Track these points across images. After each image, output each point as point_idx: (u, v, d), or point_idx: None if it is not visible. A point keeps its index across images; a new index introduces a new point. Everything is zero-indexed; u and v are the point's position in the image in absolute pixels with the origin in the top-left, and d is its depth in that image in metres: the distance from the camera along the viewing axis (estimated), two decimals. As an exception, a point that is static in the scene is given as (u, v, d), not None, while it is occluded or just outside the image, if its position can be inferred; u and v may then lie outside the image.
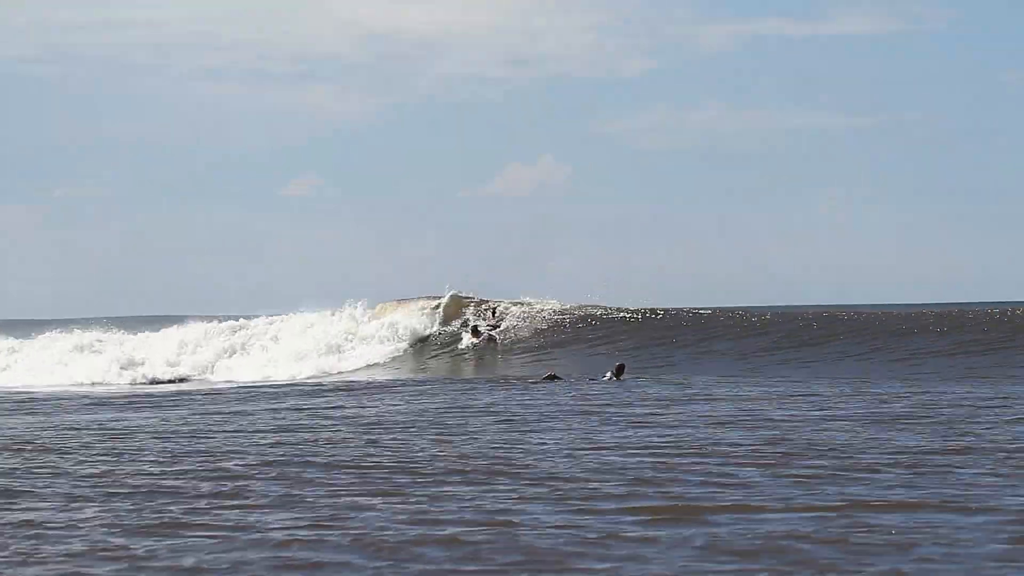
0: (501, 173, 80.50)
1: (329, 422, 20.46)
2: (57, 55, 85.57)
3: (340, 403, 24.93)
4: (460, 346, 42.91)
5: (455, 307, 44.99)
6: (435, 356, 41.69)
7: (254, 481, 13.56)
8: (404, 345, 42.88)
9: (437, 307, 44.93)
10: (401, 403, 24.55)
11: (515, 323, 43.15)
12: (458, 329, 43.78)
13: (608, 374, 31.18)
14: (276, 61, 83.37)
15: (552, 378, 31.10)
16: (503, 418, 20.57)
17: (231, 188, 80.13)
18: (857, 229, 74.03)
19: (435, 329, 44.05)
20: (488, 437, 17.58)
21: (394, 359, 41.57)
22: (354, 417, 21.38)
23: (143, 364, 41.32)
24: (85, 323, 45.55)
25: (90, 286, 69.81)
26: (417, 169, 79.12)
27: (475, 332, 43.43)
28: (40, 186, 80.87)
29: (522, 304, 44.42)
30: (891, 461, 14.30)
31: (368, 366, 40.41)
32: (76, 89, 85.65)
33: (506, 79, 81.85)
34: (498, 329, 43.91)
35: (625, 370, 31.37)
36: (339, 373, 38.91)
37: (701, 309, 42.64)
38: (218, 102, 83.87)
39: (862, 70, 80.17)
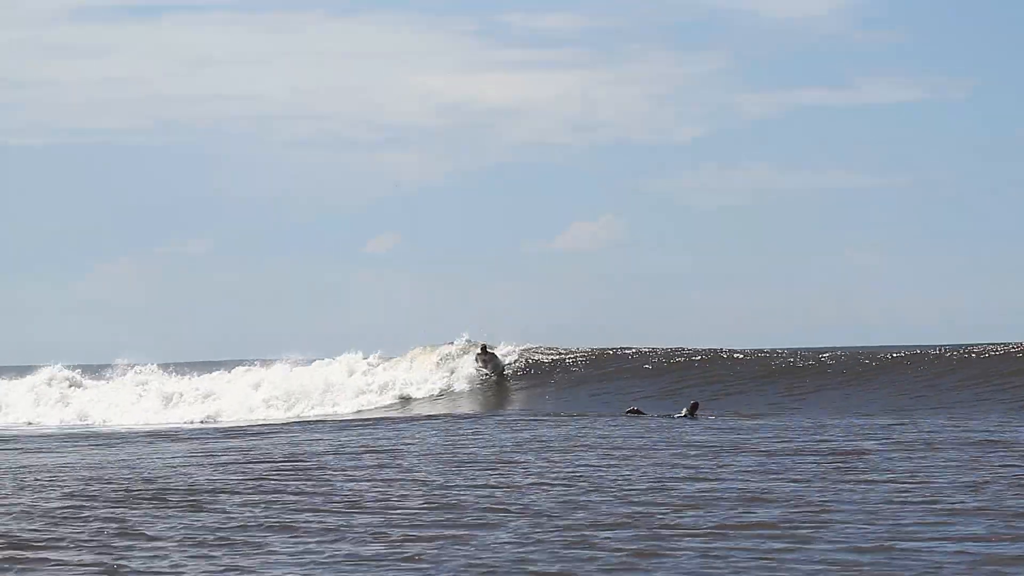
0: (566, 231, 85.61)
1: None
2: (167, 126, 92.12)
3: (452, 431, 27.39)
4: (465, 373, 44.30)
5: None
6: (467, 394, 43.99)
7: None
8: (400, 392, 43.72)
9: (448, 355, 45.68)
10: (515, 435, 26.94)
11: (576, 368, 45.80)
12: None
13: (684, 411, 33.41)
14: (360, 129, 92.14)
15: (636, 413, 33.32)
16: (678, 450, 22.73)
17: (320, 245, 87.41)
18: (888, 277, 78.30)
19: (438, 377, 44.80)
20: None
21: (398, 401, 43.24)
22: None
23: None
24: (204, 366, 47.67)
25: (188, 331, 73.69)
26: (487, 227, 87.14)
27: (484, 352, 44.97)
28: (148, 243, 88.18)
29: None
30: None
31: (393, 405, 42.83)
32: (183, 156, 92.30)
33: (569, 145, 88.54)
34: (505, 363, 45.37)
35: (698, 408, 33.69)
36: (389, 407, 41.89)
37: (736, 351, 45.12)
38: (309, 167, 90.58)
39: (892, 134, 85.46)
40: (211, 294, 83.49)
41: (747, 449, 22.74)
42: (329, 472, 20.11)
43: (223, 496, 17.11)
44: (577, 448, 23.63)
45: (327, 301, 76.82)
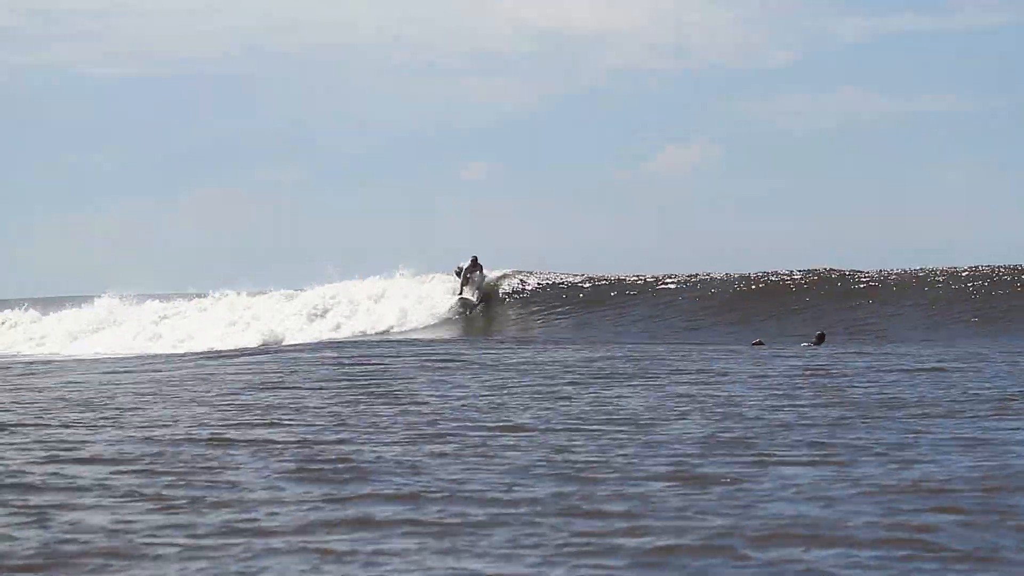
0: (661, 154, 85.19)
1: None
2: (256, 54, 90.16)
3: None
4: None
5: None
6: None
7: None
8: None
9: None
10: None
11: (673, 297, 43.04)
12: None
13: (809, 342, 31.07)
14: (452, 56, 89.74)
15: (759, 344, 30.89)
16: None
17: (414, 172, 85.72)
18: (982, 198, 78.28)
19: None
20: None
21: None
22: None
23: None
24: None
25: (283, 257, 74.43)
26: (579, 153, 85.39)
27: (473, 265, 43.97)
28: (241, 170, 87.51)
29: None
30: None
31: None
32: (272, 85, 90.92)
33: (661, 69, 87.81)
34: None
35: (824, 339, 31.26)
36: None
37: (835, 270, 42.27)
38: (400, 95, 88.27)
39: (988, 58, 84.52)
40: (304, 221, 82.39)
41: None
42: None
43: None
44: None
45: (422, 228, 75.91)
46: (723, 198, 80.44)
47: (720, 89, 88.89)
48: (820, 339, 31.11)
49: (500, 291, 44.68)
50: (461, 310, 43.90)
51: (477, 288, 44.65)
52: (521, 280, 44.97)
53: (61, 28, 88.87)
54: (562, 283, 44.69)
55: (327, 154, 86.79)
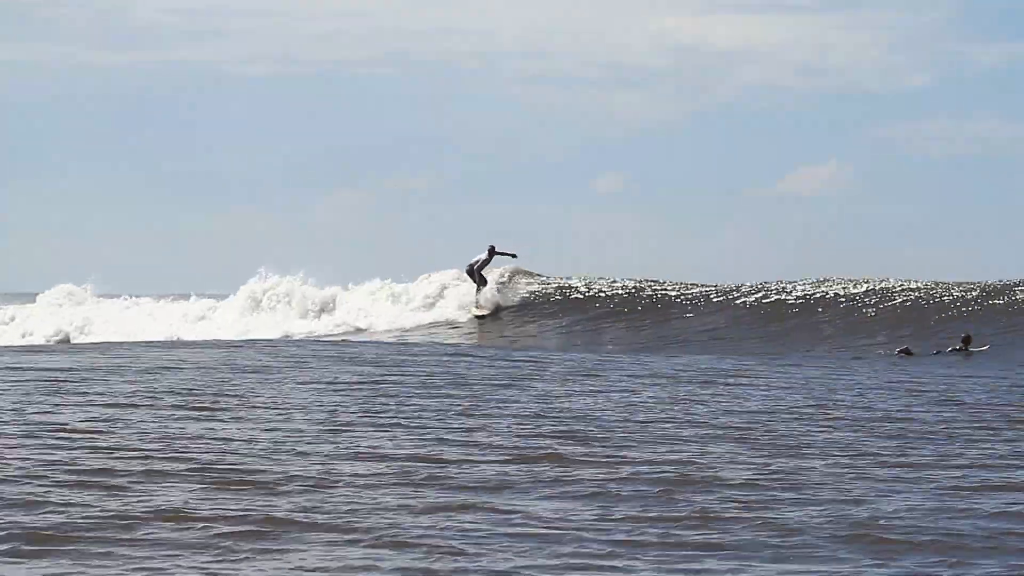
0: (791, 174, 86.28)
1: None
2: (397, 58, 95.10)
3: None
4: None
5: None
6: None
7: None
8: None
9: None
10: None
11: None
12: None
13: (956, 346, 30.31)
14: (590, 68, 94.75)
15: (906, 353, 30.13)
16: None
17: (546, 182, 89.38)
18: None
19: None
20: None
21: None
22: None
23: None
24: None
25: (410, 261, 73.78)
26: (712, 169, 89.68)
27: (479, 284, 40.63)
28: (375, 176, 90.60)
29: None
30: None
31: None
32: (412, 90, 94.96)
33: (798, 89, 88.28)
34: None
35: (971, 341, 30.42)
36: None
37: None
38: (537, 104, 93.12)
39: None
40: (435, 228, 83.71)
41: None
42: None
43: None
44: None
45: (550, 238, 77.65)
46: (853, 219, 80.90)
47: (856, 110, 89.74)
48: (966, 341, 30.37)
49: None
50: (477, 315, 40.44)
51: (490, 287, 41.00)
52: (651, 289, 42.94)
53: (209, 26, 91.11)
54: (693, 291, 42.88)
55: (463, 162, 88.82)
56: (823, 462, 12.86)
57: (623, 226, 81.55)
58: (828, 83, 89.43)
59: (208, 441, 13.53)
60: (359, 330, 41.20)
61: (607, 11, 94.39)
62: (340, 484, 11.18)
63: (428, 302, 42.28)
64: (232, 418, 15.47)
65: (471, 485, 11.22)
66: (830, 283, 39.52)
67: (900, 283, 38.93)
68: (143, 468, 11.75)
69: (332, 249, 76.27)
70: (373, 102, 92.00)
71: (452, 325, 40.58)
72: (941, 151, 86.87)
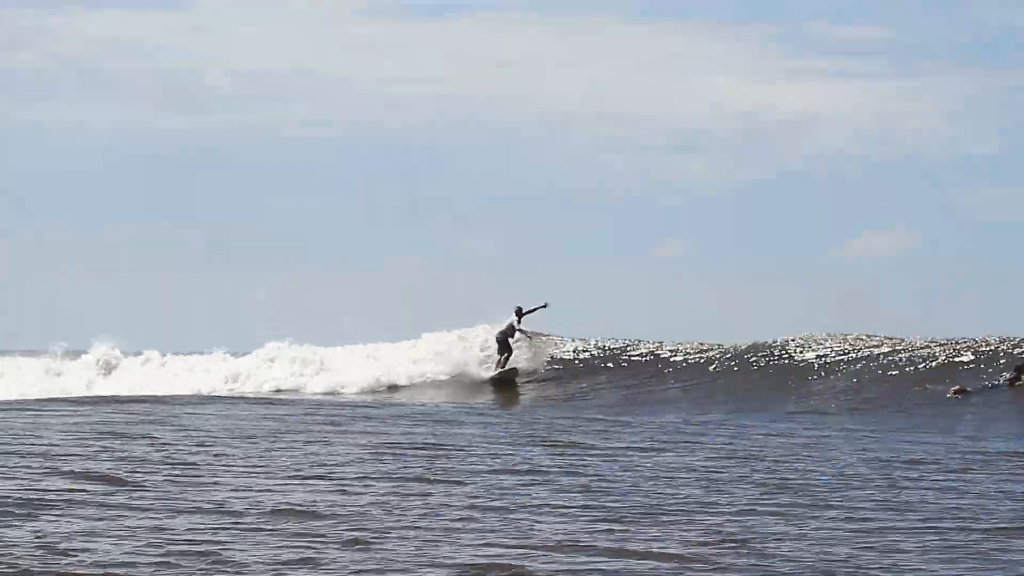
0: (856, 240, 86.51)
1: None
2: (462, 124, 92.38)
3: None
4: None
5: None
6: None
7: None
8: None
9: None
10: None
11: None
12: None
13: (1005, 376, 28.60)
14: (652, 133, 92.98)
15: (962, 392, 28.38)
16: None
17: (608, 248, 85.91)
18: None
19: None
20: None
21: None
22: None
23: None
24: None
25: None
26: (775, 236, 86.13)
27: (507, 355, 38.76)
28: (441, 239, 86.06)
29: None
30: None
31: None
32: (481, 155, 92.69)
33: (862, 156, 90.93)
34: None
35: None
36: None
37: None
38: (599, 169, 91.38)
39: None
40: (500, 292, 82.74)
41: None
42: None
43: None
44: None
45: (614, 303, 75.13)
46: (919, 286, 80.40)
47: (921, 177, 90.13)
48: (1021, 371, 28.54)
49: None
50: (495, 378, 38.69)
51: (525, 345, 39.36)
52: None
53: (263, 90, 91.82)
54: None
55: (526, 226, 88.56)
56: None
57: (686, 290, 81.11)
58: (892, 150, 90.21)
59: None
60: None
61: (671, 77, 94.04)
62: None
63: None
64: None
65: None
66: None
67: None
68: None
69: (397, 307, 77.28)
70: (437, 167, 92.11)
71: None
72: (1012, 217, 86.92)
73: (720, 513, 13.73)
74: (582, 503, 14.22)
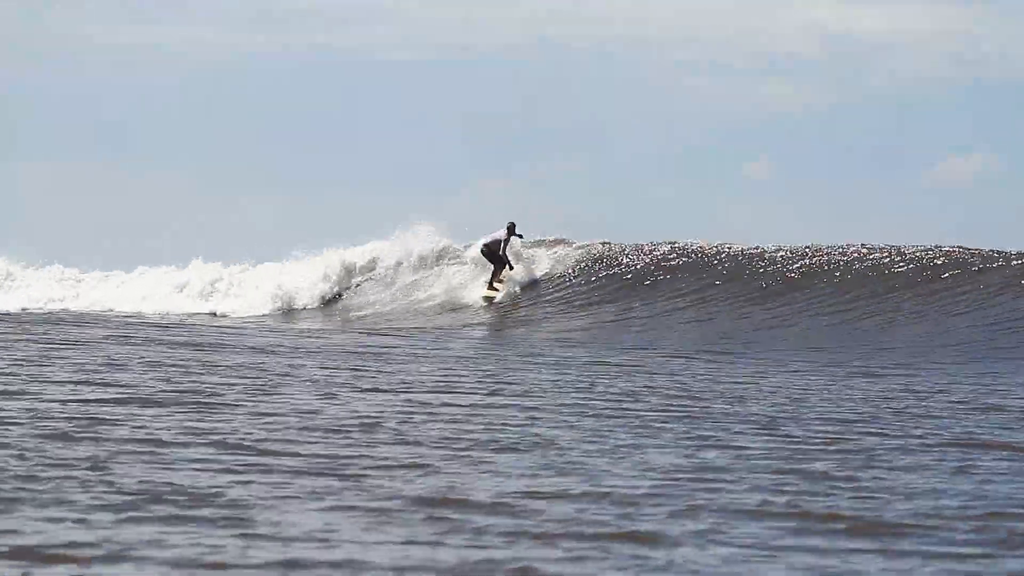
0: (942, 163, 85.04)
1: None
2: (548, 45, 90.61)
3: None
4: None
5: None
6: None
7: None
8: None
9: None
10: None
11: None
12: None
13: None
14: (739, 56, 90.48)
15: None
16: None
17: (697, 169, 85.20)
18: None
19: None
20: None
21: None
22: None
23: None
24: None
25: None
26: (860, 159, 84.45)
27: (492, 279, 34.35)
28: (522, 162, 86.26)
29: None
30: None
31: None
32: (562, 77, 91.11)
33: (948, 79, 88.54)
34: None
35: None
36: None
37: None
38: (688, 91, 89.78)
39: None
40: (589, 214, 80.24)
41: None
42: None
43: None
44: None
45: (699, 225, 75.21)
46: (1003, 211, 78.02)
47: (1008, 101, 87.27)
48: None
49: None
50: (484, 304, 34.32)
51: (513, 264, 34.53)
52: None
53: (356, 11, 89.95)
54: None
55: (613, 149, 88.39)
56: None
57: (771, 212, 79.18)
58: (979, 73, 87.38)
59: None
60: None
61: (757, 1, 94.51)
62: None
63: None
64: None
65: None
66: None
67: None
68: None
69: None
70: (523, 88, 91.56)
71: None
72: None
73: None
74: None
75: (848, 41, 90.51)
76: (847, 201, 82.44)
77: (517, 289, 34.39)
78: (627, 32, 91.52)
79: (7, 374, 15.56)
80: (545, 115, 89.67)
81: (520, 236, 34.97)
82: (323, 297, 37.63)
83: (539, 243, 37.07)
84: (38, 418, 11.99)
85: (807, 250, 33.74)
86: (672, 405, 14.42)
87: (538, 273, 35.31)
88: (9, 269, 43.58)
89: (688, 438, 11.91)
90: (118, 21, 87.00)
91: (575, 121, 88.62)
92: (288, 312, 36.62)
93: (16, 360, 17.38)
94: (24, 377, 15.36)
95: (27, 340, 21.19)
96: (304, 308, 37.04)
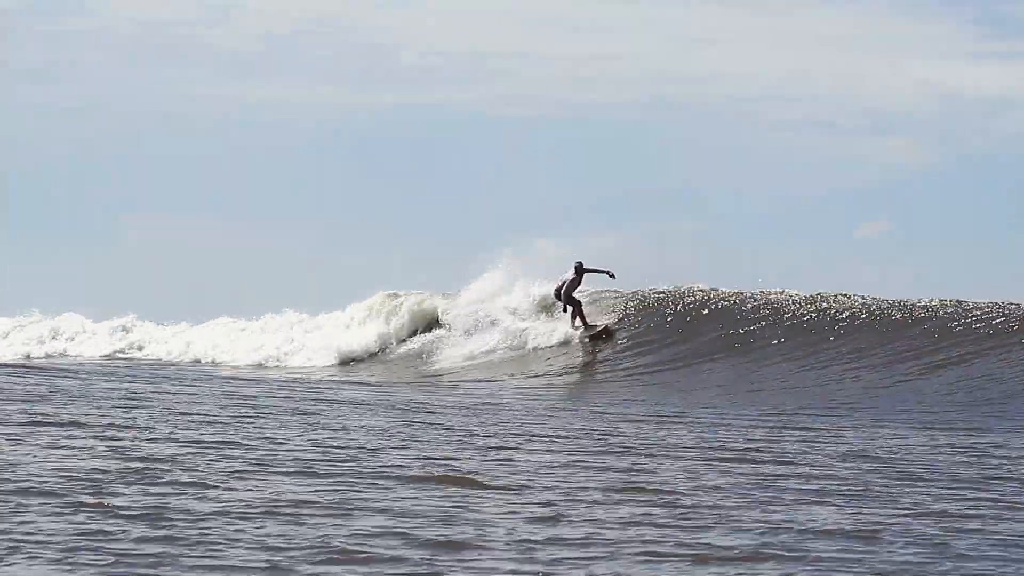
0: None
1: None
2: (657, 103, 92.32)
3: None
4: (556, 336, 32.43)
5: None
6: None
7: None
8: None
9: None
10: None
11: None
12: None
13: None
14: (850, 114, 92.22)
15: None
16: None
17: (807, 230, 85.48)
18: None
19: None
20: None
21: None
22: None
23: None
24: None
25: None
26: (977, 217, 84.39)
27: (583, 321, 32.25)
28: (632, 221, 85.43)
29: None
30: None
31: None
32: (672, 135, 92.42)
33: None
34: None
35: None
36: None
37: None
38: (796, 150, 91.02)
39: None
40: (698, 273, 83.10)
41: None
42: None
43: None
44: None
45: (812, 285, 74.27)
46: None
47: None
48: None
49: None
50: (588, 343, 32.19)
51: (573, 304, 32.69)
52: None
53: (470, 69, 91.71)
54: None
55: (720, 207, 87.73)
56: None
57: (885, 273, 78.86)
58: None
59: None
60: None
61: (864, 57, 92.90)
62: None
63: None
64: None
65: None
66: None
67: None
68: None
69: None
70: (631, 146, 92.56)
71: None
72: None
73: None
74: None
75: (962, 100, 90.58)
76: (965, 260, 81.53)
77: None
78: (738, 91, 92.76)
79: None
80: (651, 174, 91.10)
81: (611, 274, 32.61)
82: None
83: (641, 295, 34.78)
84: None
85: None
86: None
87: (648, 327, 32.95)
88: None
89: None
90: (241, 79, 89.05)
91: (681, 180, 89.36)
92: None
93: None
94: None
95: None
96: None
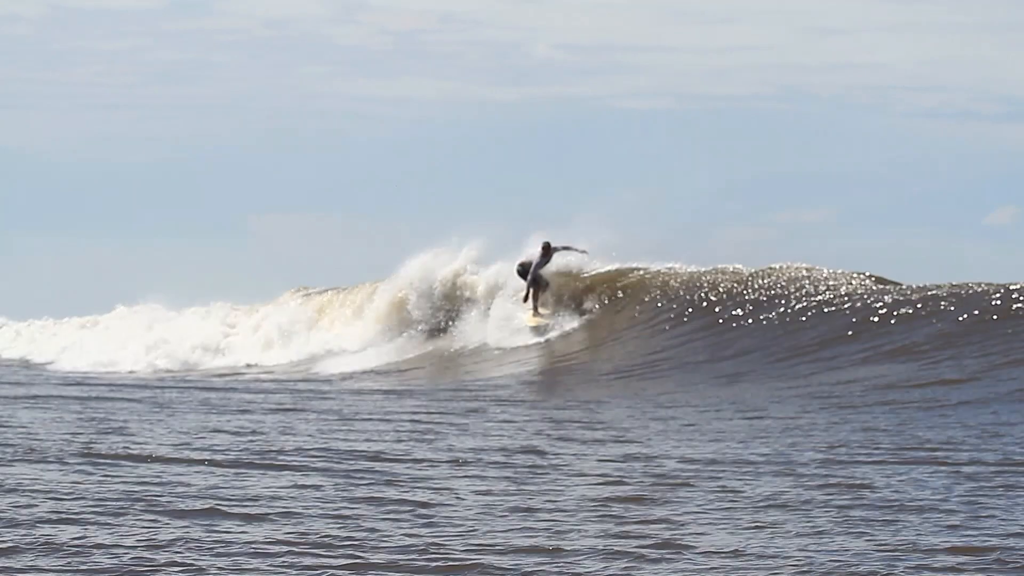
0: None
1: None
2: (790, 93, 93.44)
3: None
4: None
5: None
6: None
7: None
8: None
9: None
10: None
11: None
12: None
13: None
14: (983, 101, 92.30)
15: None
16: None
17: (936, 217, 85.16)
18: None
19: None
20: None
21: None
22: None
23: None
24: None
25: None
26: None
27: (534, 289, 30.02)
28: (768, 210, 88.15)
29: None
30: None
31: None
32: (806, 125, 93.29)
33: None
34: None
35: None
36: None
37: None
38: (929, 138, 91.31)
39: None
40: (837, 263, 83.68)
41: None
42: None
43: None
44: None
45: (940, 273, 74.57)
46: None
47: None
48: None
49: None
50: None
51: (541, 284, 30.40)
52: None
53: (595, 62, 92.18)
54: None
55: (855, 196, 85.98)
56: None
57: (1017, 260, 78.35)
58: None
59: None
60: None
61: (1002, 45, 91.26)
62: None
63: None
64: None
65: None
66: None
67: None
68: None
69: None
70: (765, 137, 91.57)
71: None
72: None
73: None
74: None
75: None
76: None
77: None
78: (871, 80, 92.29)
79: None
80: (784, 164, 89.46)
81: (584, 251, 30.80)
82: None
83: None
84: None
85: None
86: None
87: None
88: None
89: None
90: (361, 76, 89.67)
91: (815, 169, 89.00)
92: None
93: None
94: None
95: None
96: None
